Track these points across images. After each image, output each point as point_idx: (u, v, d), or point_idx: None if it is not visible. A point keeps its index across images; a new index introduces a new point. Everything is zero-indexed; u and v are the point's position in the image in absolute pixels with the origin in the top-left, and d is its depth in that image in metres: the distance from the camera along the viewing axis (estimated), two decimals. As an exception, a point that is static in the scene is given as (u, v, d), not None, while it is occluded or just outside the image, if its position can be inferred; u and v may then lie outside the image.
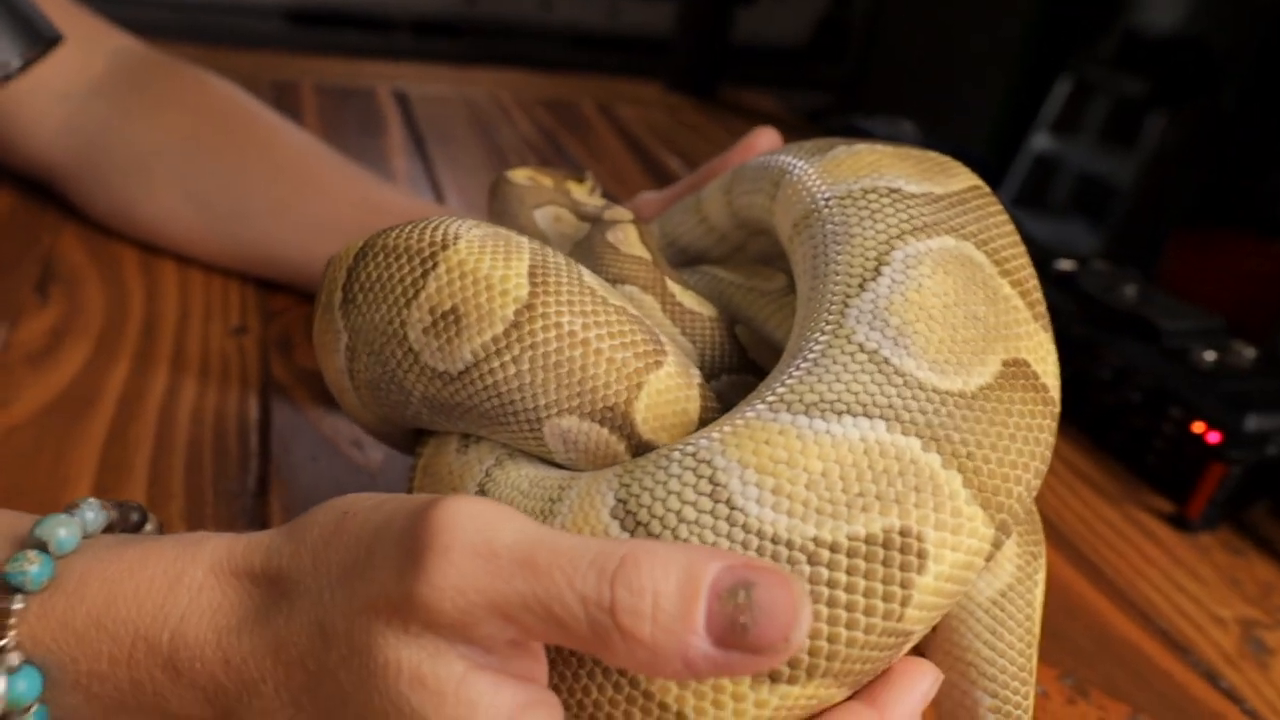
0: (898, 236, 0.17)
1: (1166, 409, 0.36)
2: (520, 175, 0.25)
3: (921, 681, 0.15)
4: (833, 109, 1.21)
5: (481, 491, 0.17)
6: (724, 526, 0.14)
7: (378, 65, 0.76)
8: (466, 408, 0.18)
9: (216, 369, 0.34)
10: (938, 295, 0.16)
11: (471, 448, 0.19)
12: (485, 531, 0.13)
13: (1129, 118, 1.77)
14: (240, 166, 0.37)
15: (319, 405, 0.33)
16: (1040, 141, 1.80)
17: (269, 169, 0.37)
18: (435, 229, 0.18)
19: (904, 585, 0.14)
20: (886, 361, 0.15)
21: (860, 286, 0.16)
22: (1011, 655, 0.18)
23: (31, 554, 0.15)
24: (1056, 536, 0.34)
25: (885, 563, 0.13)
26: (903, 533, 0.14)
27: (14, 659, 0.15)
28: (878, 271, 0.16)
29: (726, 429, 0.15)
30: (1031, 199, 1.47)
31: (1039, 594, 0.19)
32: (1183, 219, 1.78)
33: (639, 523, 0.14)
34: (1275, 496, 0.35)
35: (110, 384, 0.32)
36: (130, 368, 0.33)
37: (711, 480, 0.14)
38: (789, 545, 0.13)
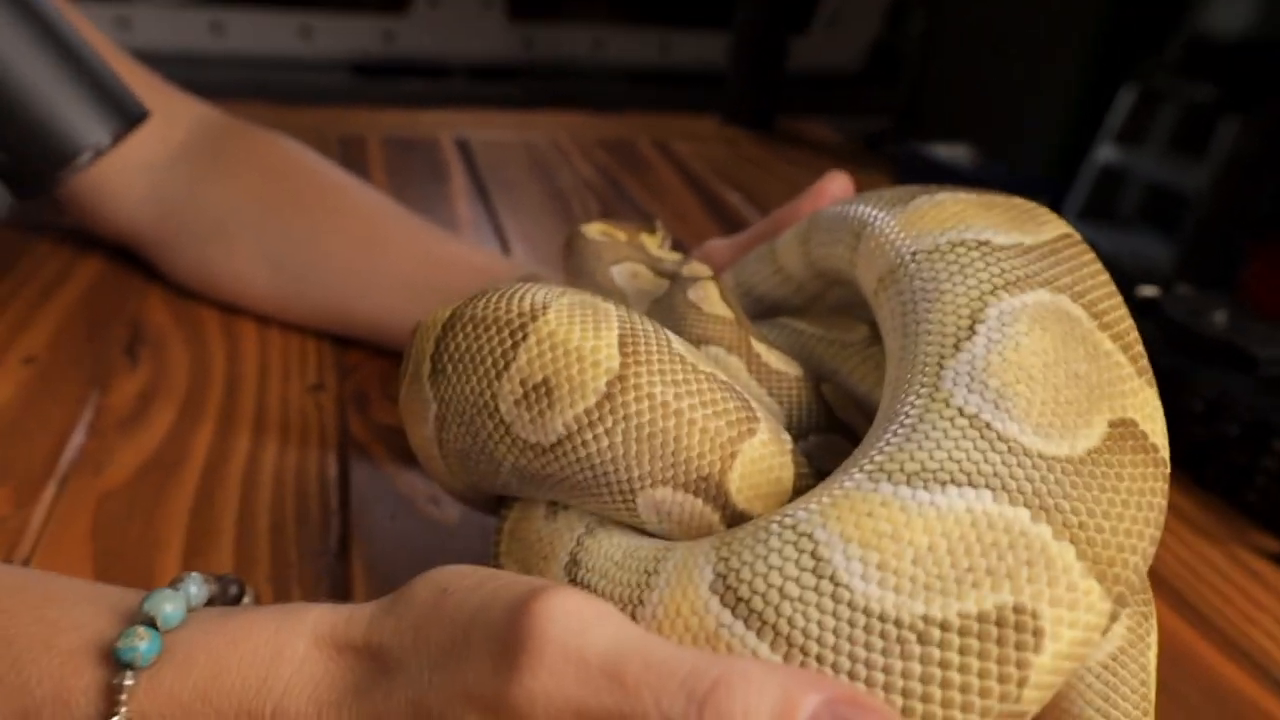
0: (990, 292, 0.16)
1: (1268, 441, 0.34)
2: (595, 230, 0.25)
3: None
4: (890, 134, 1.18)
5: (573, 561, 0.17)
6: (829, 604, 0.13)
7: (439, 114, 0.77)
8: (558, 479, 0.17)
9: (296, 427, 0.35)
10: (1037, 354, 0.15)
11: (560, 515, 0.19)
12: (580, 636, 0.13)
13: (1199, 125, 1.68)
14: (311, 227, 0.38)
15: (396, 461, 0.33)
16: (1105, 153, 1.73)
17: (338, 228, 0.37)
18: (523, 298, 0.18)
19: (1020, 665, 0.13)
20: (989, 426, 0.15)
21: (955, 346, 0.16)
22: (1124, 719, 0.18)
23: (141, 630, 0.15)
24: (1158, 581, 0.33)
25: (1000, 642, 0.13)
26: (1017, 609, 0.13)
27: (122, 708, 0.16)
28: (972, 330, 0.16)
29: (825, 500, 0.15)
30: (1098, 212, 1.40)
31: (1152, 656, 0.18)
32: (1260, 228, 1.67)
33: (739, 599, 0.14)
34: None
35: (196, 446, 0.32)
36: (214, 429, 0.34)
37: (814, 555, 0.14)
38: (898, 624, 0.13)
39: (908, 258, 0.18)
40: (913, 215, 0.19)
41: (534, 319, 0.17)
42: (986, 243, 0.17)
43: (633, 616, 0.15)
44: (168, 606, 0.16)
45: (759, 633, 0.13)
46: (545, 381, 0.16)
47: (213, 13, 0.98)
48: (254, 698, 0.15)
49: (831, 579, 0.13)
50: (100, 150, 0.32)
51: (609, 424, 0.16)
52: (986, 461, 0.14)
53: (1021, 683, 0.13)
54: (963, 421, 0.14)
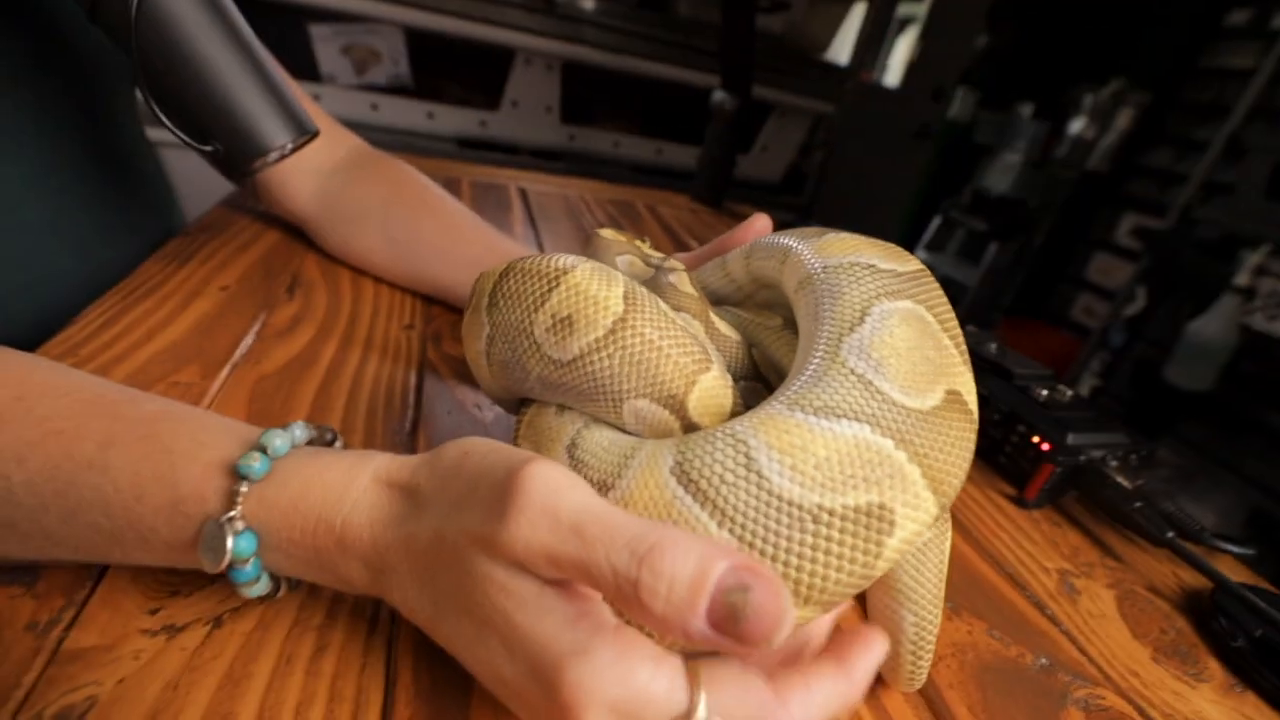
0: (875, 298, 0.20)
1: (1015, 426, 0.41)
2: (607, 233, 0.29)
3: (878, 646, 0.18)
4: (794, 225, 1.69)
5: (573, 444, 0.20)
6: (753, 490, 0.16)
7: (509, 172, 0.93)
8: (569, 387, 0.21)
9: (391, 350, 0.40)
10: (903, 340, 0.19)
11: (565, 413, 0.22)
12: (554, 496, 0.16)
13: (976, 245, 2.36)
14: (417, 220, 0.44)
15: (456, 379, 0.38)
16: (921, 256, 2.33)
17: (434, 223, 0.44)
18: (559, 259, 0.22)
19: (878, 544, 0.16)
20: (870, 383, 0.18)
21: (850, 329, 0.19)
22: (928, 585, 0.21)
23: (256, 454, 0.20)
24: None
25: (867, 527, 0.16)
26: (880, 506, 0.16)
27: (239, 524, 0.19)
28: (862, 320, 0.19)
29: (756, 419, 0.17)
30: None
31: (947, 544, 0.22)
32: (1006, 311, 2.41)
33: (690, 480, 0.16)
34: (1081, 489, 0.40)
35: (324, 355, 0.37)
36: (337, 345, 0.39)
37: (746, 455, 0.16)
38: (799, 508, 0.16)
39: (819, 270, 0.22)
40: (824, 244, 0.23)
41: (565, 273, 0.21)
42: (873, 266, 0.21)
43: (611, 487, 0.18)
44: (277, 441, 0.20)
45: (701, 505, 0.16)
46: (569, 316, 0.20)
47: (373, 96, 1.25)
48: (329, 512, 0.19)
49: (757, 473, 0.16)
50: (284, 152, 0.38)
51: (610, 350, 0.20)
52: (867, 406, 0.17)
53: (877, 556, 0.16)
54: (853, 378, 0.18)
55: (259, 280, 0.45)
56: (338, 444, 0.25)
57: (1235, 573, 0.39)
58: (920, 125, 2.07)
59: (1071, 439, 0.40)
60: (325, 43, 1.21)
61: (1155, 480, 0.40)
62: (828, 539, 0.16)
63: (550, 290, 0.21)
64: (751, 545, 0.16)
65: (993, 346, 0.47)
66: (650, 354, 0.20)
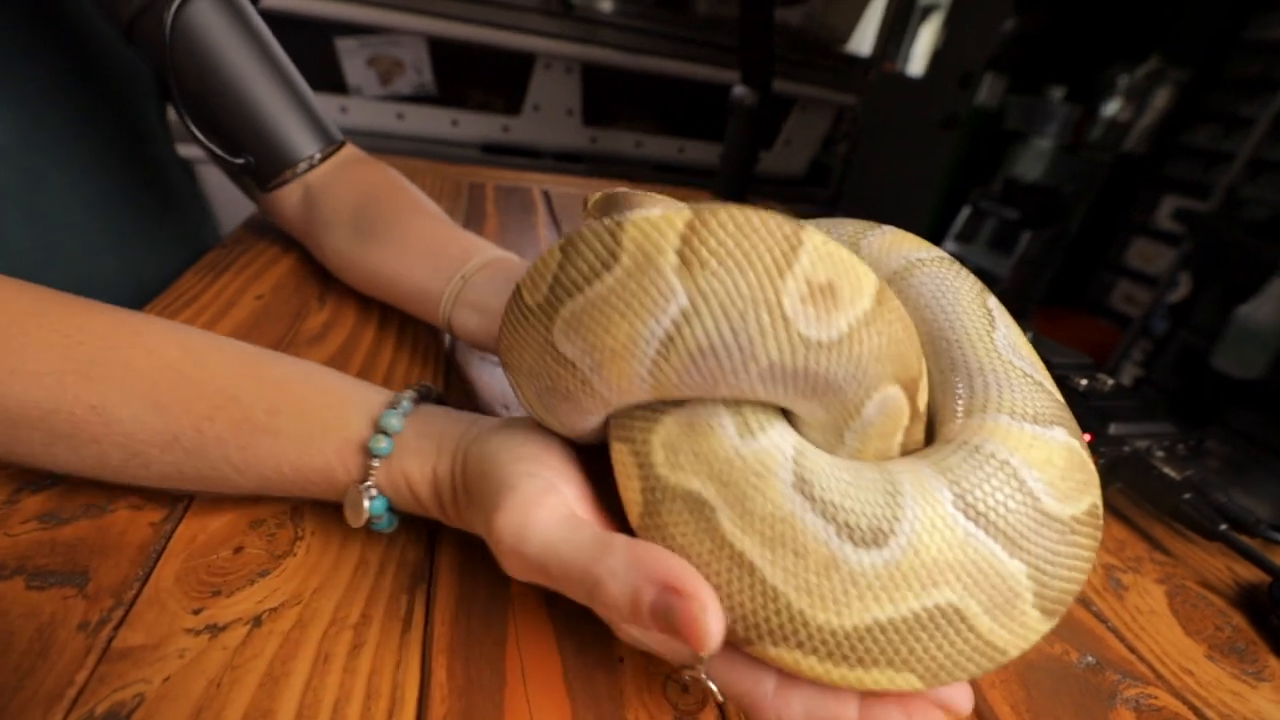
0: (981, 292, 0.21)
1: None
2: (620, 189, 0.28)
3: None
4: (818, 217, 1.67)
5: (802, 479, 0.16)
6: (1031, 513, 0.16)
7: (533, 175, 0.94)
8: (815, 377, 0.16)
9: (420, 355, 0.41)
10: (1020, 333, 0.20)
11: (759, 433, 0.17)
12: (519, 544, 0.19)
13: (1008, 234, 2.35)
14: (382, 216, 0.41)
15: (483, 383, 0.39)
16: (950, 247, 2.31)
17: (397, 217, 0.41)
18: (772, 215, 0.16)
19: (1096, 542, 0.17)
20: (1041, 385, 0.19)
21: (991, 325, 0.20)
22: None
23: (382, 438, 0.24)
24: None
25: (1093, 528, 0.17)
26: (1095, 506, 0.17)
27: (373, 491, 0.24)
28: (991, 316, 0.20)
29: (994, 434, 0.17)
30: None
31: None
32: (1042, 302, 2.35)
33: (978, 513, 0.16)
34: (1126, 480, 0.39)
35: (355, 359, 0.39)
36: (367, 352, 0.40)
37: (1015, 477, 0.16)
38: (1061, 521, 0.16)
39: (903, 264, 0.22)
40: (891, 237, 0.24)
41: (800, 230, 0.16)
42: (943, 258, 0.22)
43: (891, 533, 0.15)
44: (394, 422, 0.24)
45: (994, 538, 0.16)
46: (830, 284, 0.15)
47: (398, 106, 1.28)
48: (433, 470, 0.24)
49: (1030, 494, 0.16)
50: (313, 163, 0.39)
51: (880, 325, 0.16)
52: (1053, 409, 0.18)
53: (1094, 552, 0.17)
54: (1028, 380, 0.18)
55: (292, 290, 0.46)
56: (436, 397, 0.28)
57: (1295, 567, 0.37)
58: (947, 114, 2.02)
59: (1114, 429, 0.39)
60: (351, 56, 1.24)
61: (1204, 471, 0.39)
62: (1077, 546, 0.17)
63: (794, 250, 0.16)
64: (1040, 570, 0.16)
65: (1029, 337, 0.45)
66: (905, 330, 0.17)
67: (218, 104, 0.37)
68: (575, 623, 0.24)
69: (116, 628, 0.21)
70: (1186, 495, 0.37)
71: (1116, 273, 1.90)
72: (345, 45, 1.20)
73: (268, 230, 0.55)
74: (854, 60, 1.63)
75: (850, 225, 0.25)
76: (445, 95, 1.37)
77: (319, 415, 0.24)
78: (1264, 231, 1.43)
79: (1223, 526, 0.36)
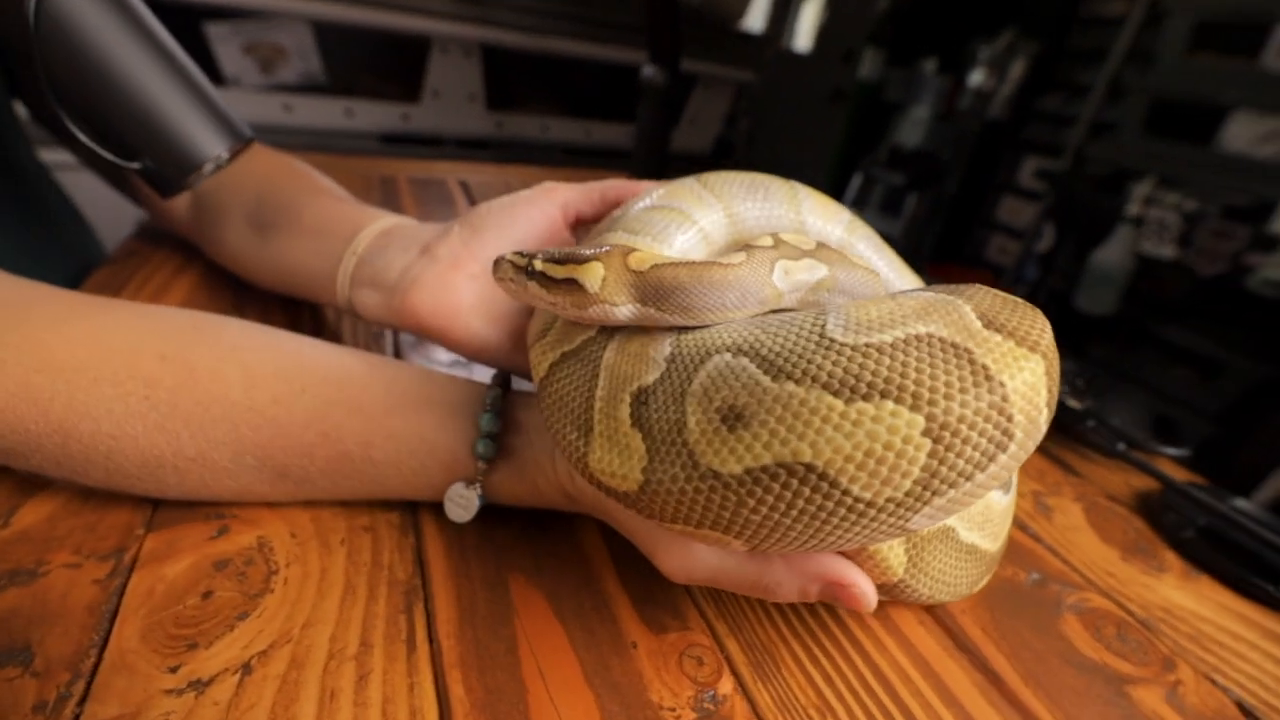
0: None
1: None
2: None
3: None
4: None
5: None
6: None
7: (445, 165, 0.90)
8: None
9: (366, 347, 0.31)
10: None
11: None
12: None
13: (896, 198, 2.56)
14: (279, 200, 0.38)
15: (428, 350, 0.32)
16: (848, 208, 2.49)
17: (294, 207, 0.37)
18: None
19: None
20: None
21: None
22: None
23: (484, 442, 0.25)
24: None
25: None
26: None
27: (478, 489, 0.26)
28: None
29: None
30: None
31: None
32: (929, 258, 2.59)
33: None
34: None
35: None
36: None
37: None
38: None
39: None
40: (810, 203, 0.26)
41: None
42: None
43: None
44: (480, 448, 0.26)
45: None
46: None
47: (284, 97, 1.18)
48: (542, 484, 0.26)
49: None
50: (220, 163, 0.35)
51: None
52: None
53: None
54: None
55: (204, 302, 0.42)
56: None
57: (1175, 474, 0.43)
58: (834, 88, 2.10)
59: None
60: (224, 43, 1.11)
61: (1100, 401, 0.43)
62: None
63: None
64: None
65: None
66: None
67: (102, 101, 0.32)
68: (583, 616, 0.24)
69: (81, 702, 0.19)
70: (1090, 423, 0.41)
71: (990, 228, 2.08)
72: (217, 31, 1.08)
73: (164, 238, 0.50)
74: (749, 38, 1.66)
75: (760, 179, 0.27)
76: (336, 84, 1.27)
77: (416, 432, 0.26)
78: (1107, 185, 1.60)
79: (1120, 446, 0.40)
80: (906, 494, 0.16)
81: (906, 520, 0.16)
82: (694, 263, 0.19)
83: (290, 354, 0.26)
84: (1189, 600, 0.32)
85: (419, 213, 0.69)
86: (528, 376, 0.29)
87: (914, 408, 0.15)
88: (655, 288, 0.19)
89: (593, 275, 0.19)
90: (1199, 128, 1.38)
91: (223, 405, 0.24)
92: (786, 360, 0.16)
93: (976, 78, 2.07)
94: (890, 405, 0.15)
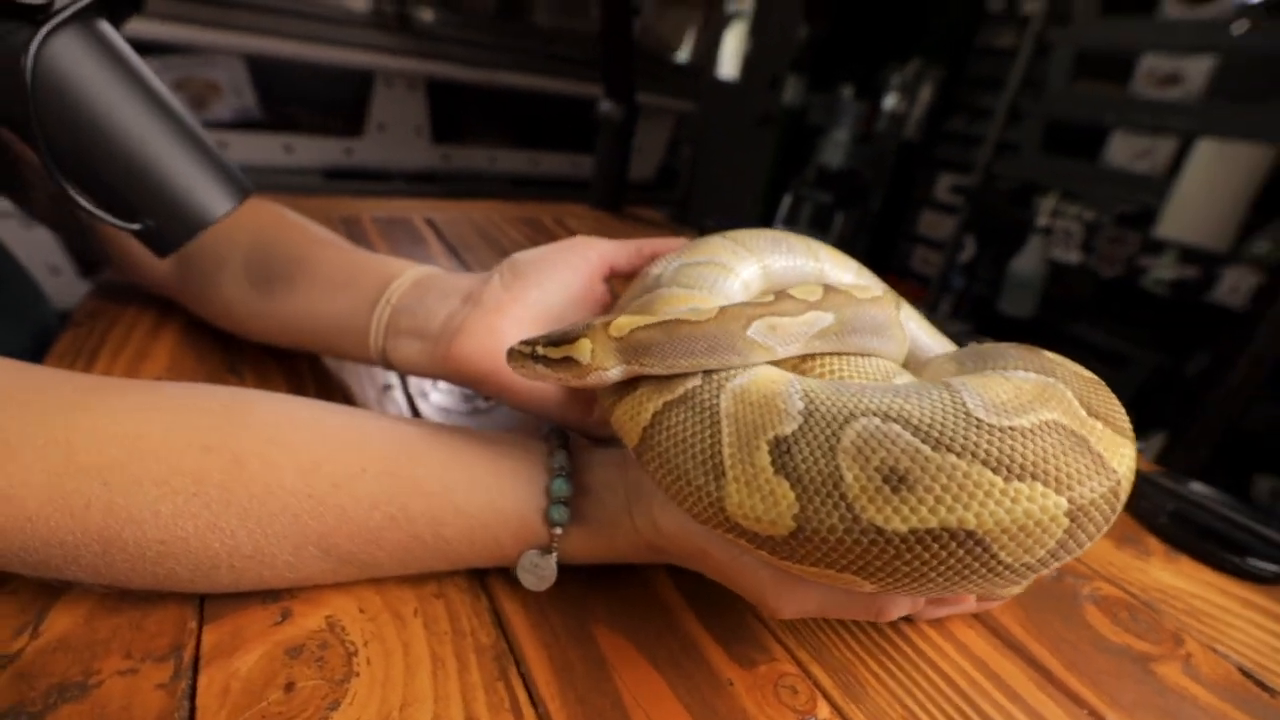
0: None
1: None
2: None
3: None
4: (675, 215, 1.80)
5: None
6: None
7: (405, 202, 0.88)
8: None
9: (373, 401, 0.31)
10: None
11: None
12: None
13: (825, 215, 2.67)
14: (286, 260, 0.37)
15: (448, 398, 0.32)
16: (780, 229, 2.60)
17: (302, 258, 0.36)
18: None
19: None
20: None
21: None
22: None
23: (560, 508, 0.25)
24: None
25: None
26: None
27: (554, 555, 0.26)
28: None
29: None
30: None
31: None
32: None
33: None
34: None
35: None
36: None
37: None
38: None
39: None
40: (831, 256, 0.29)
41: None
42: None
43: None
44: (563, 489, 0.26)
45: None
46: None
47: (219, 134, 1.12)
48: (620, 538, 0.27)
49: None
50: (218, 218, 0.33)
51: None
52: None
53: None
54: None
55: (194, 363, 0.40)
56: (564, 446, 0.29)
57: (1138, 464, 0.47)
58: (762, 112, 2.20)
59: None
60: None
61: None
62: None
63: None
64: None
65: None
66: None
67: (104, 162, 0.31)
68: (675, 661, 0.25)
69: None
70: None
71: (913, 241, 2.23)
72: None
73: (127, 293, 0.47)
74: (683, 69, 1.72)
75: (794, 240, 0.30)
76: (274, 119, 1.22)
77: (482, 513, 0.26)
78: (1016, 198, 1.75)
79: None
80: (1039, 560, 0.18)
81: (1027, 577, 0.19)
82: (666, 322, 0.22)
83: (340, 430, 0.25)
84: (1177, 580, 0.35)
85: (392, 254, 0.68)
86: (577, 426, 0.30)
87: (1059, 491, 0.18)
88: (634, 348, 0.22)
89: (583, 350, 0.22)
90: (1087, 146, 1.53)
91: (279, 496, 0.23)
92: (942, 433, 0.18)
93: (890, 102, 2.23)
94: (1040, 487, 0.17)
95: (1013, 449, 0.18)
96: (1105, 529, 0.19)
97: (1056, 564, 0.18)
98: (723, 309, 0.22)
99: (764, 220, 2.43)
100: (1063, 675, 0.27)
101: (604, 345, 0.22)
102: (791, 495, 0.18)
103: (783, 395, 0.20)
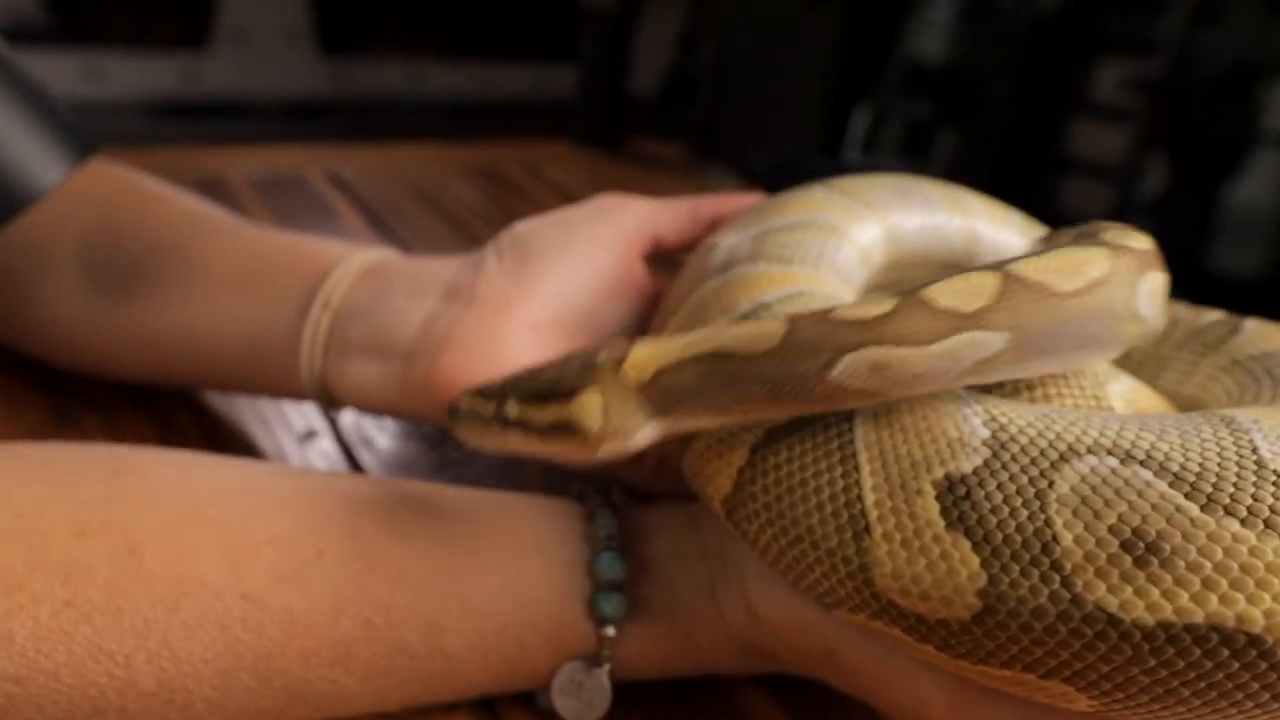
0: None
1: None
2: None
3: None
4: (698, 148, 1.76)
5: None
6: None
7: (292, 151, 0.88)
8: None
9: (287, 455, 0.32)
10: None
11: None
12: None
13: (922, 135, 2.27)
14: (151, 248, 0.37)
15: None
16: (852, 157, 2.60)
17: (178, 245, 0.37)
18: None
19: None
20: None
21: None
22: None
23: (615, 597, 0.26)
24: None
25: None
26: None
27: (607, 667, 0.27)
28: None
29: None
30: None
31: None
32: None
33: None
34: None
35: None
36: None
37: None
38: None
39: None
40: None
41: None
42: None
43: None
44: (607, 605, 0.27)
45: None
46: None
47: None
48: (711, 636, 0.28)
49: None
50: (46, 190, 0.35)
51: None
52: None
53: None
54: None
55: (9, 413, 0.41)
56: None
57: None
58: (809, -11, 2.19)
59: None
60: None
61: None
62: None
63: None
64: None
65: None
66: None
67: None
68: None
69: None
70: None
71: (1063, 168, 2.19)
72: None
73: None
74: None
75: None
76: (69, 29, 1.23)
77: (502, 611, 0.26)
78: (1229, 91, 1.72)
79: None
80: None
81: None
82: (704, 355, 0.22)
83: (280, 497, 0.26)
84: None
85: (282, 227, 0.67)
86: (619, 478, 0.31)
87: None
88: (666, 397, 0.22)
89: (589, 410, 0.22)
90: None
91: (197, 600, 0.23)
92: (1216, 487, 0.18)
93: (1016, -44, 2.21)
94: None
95: None
96: None
97: None
98: (792, 328, 0.21)
99: (827, 151, 2.40)
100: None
101: (619, 397, 0.22)
102: (976, 560, 0.19)
103: (954, 417, 0.21)
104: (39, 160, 0.34)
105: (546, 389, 0.23)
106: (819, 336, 0.21)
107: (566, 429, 0.22)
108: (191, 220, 0.38)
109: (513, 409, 0.23)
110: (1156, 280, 0.25)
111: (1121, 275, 0.22)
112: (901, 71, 2.45)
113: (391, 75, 1.49)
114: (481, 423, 0.24)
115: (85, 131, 0.36)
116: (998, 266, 0.22)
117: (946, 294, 0.21)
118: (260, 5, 1.33)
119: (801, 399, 0.21)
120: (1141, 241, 0.24)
